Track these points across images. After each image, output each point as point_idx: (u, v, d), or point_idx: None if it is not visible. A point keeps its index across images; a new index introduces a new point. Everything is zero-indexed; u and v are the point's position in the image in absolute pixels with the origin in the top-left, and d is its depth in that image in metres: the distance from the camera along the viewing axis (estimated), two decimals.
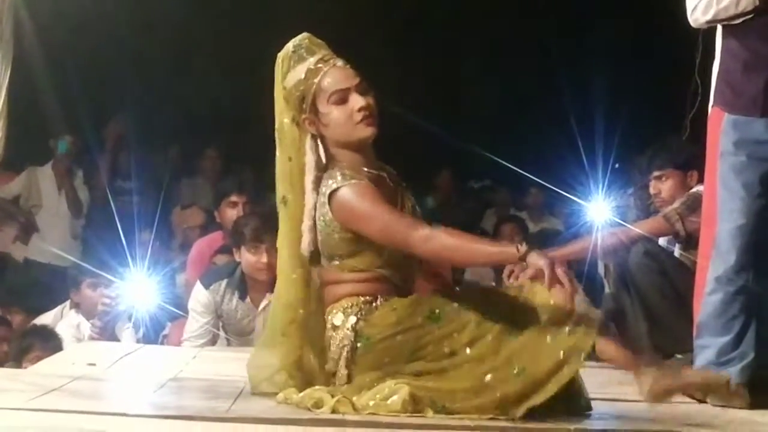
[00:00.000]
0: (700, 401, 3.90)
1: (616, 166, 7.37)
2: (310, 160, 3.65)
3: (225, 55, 9.44)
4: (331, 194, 3.53)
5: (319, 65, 3.62)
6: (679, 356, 4.88)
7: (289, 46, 3.70)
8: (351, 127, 3.57)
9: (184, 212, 8.13)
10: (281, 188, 3.74)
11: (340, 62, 3.64)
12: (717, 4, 3.92)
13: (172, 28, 8.84)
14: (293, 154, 3.71)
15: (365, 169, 3.61)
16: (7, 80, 4.70)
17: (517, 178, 8.20)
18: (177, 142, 9.40)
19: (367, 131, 3.58)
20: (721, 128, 3.99)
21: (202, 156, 9.15)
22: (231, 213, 6.68)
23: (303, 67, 3.64)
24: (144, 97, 8.77)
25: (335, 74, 3.60)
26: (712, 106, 4.08)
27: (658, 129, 6.58)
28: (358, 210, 3.50)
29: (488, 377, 3.37)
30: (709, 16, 3.96)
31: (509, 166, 7.17)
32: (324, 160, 3.64)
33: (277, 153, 3.76)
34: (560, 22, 9.57)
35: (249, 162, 9.08)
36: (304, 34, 3.72)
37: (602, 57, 8.50)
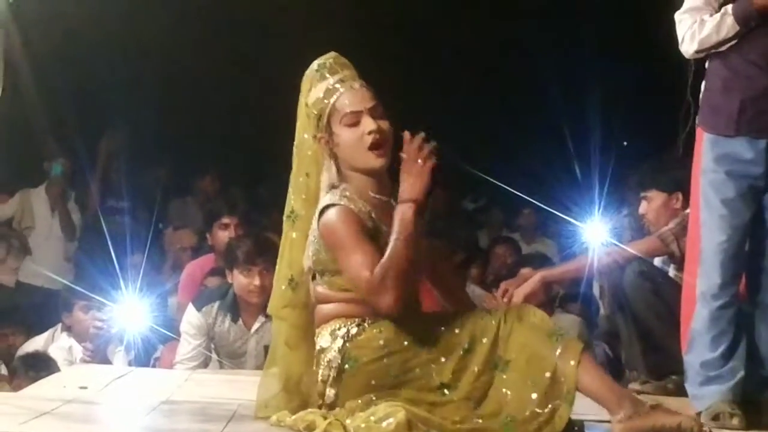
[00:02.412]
0: None
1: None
2: (325, 178, 3.66)
3: (216, 76, 9.44)
4: (322, 211, 3.54)
5: (337, 85, 3.63)
6: (673, 377, 4.87)
7: (314, 64, 3.73)
8: (362, 152, 3.58)
9: (176, 233, 8.11)
10: (293, 203, 3.74)
11: (357, 84, 3.65)
12: (699, 33, 3.99)
13: (163, 49, 8.84)
14: (311, 170, 3.72)
15: (371, 193, 3.61)
16: None
17: (510, 199, 8.19)
18: (167, 162, 9.38)
19: (377, 162, 3.59)
20: (702, 147, 4.04)
21: (200, 177, 9.12)
22: (223, 235, 6.67)
23: (323, 85, 3.65)
24: (135, 118, 8.75)
25: (350, 96, 3.61)
26: (697, 126, 4.14)
27: (654, 149, 6.58)
28: (336, 235, 3.50)
29: (479, 421, 3.38)
30: (695, 46, 4.03)
31: (503, 186, 7.16)
32: (336, 180, 3.63)
33: (294, 168, 3.77)
34: (556, 40, 9.57)
35: (240, 183, 9.07)
36: (331, 53, 3.74)
37: (598, 75, 8.50)
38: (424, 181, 3.44)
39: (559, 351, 3.36)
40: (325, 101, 3.62)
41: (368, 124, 3.56)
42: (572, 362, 3.34)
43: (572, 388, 3.34)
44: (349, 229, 3.49)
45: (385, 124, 3.60)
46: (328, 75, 3.67)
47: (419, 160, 3.43)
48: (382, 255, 3.41)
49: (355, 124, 3.57)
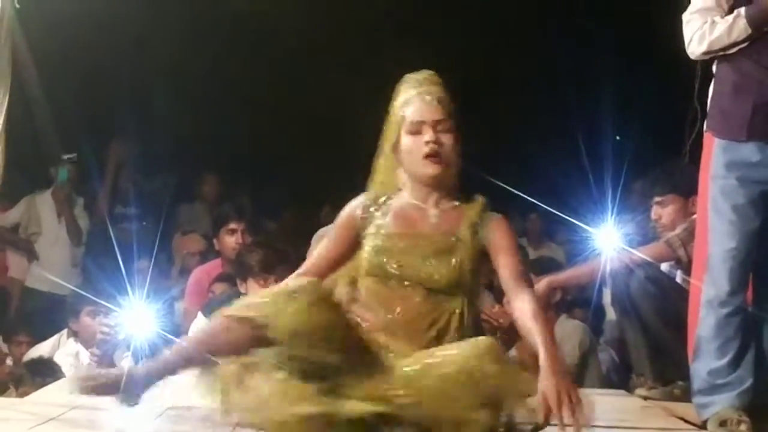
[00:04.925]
0: (699, 427, 3.89)
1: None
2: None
3: (223, 80, 9.43)
4: None
5: (414, 97, 3.77)
6: (680, 382, 4.86)
7: (408, 76, 3.86)
8: (417, 160, 3.71)
9: (184, 238, 8.10)
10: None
11: (429, 97, 3.76)
12: (710, 34, 3.96)
13: (170, 53, 8.83)
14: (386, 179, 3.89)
15: (413, 200, 3.76)
16: (5, 107, 4.69)
17: (517, 203, 8.14)
18: (175, 167, 9.37)
19: (430, 169, 3.70)
20: (712, 152, 4.01)
21: (202, 181, 9.12)
22: (230, 240, 6.66)
23: (404, 96, 3.81)
24: (143, 124, 8.75)
25: (419, 106, 3.75)
26: (705, 131, 4.10)
27: (661, 154, 6.57)
28: None
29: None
30: (704, 47, 4.00)
31: (511, 189, 7.12)
32: (400, 185, 3.81)
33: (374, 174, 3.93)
34: (568, 42, 9.56)
35: (247, 188, 9.05)
36: (427, 71, 3.86)
37: (607, 78, 8.47)
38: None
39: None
40: (400, 110, 3.78)
41: (428, 134, 3.68)
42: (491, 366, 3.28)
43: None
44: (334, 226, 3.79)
45: (448, 139, 3.70)
46: (412, 87, 3.81)
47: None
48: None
49: (417, 132, 3.71)
